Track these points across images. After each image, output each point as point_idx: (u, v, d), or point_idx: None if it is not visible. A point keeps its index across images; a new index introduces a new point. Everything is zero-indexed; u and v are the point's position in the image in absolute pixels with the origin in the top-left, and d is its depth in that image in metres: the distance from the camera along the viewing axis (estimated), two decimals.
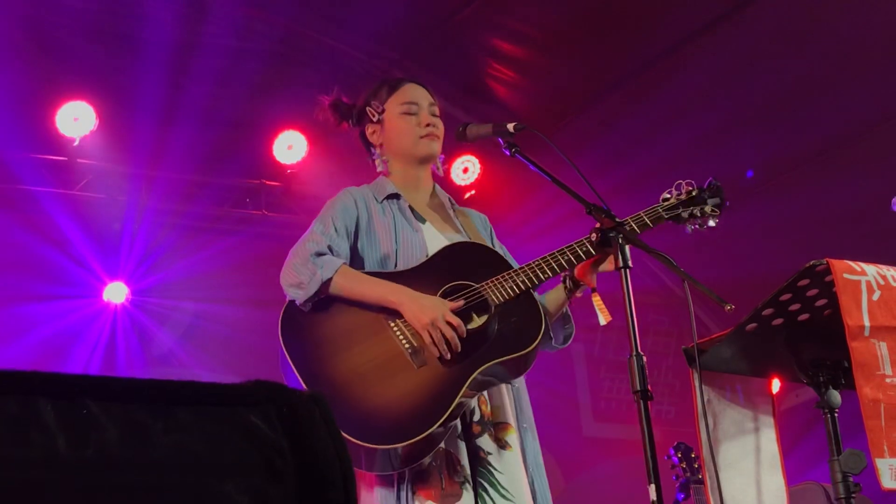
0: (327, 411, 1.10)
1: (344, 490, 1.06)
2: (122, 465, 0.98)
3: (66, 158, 6.94)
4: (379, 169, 3.72)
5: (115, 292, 7.22)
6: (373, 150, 3.74)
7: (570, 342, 3.63)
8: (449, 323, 3.25)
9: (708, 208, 3.48)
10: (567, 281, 3.42)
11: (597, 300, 3.29)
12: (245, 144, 7.38)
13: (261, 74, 7.19)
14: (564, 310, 3.55)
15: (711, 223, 3.51)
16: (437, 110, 3.72)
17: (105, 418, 0.99)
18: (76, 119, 6.80)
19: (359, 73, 7.32)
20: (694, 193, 3.50)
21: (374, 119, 3.70)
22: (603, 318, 3.23)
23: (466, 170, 7.77)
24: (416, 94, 3.72)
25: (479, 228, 3.76)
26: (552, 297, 3.51)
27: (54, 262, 6.91)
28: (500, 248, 3.74)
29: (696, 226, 3.51)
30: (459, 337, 3.27)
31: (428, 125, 3.65)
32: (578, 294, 3.44)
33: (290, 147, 7.48)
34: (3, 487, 0.92)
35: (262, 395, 1.08)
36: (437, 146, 3.67)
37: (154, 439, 1.01)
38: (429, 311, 3.27)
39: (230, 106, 7.12)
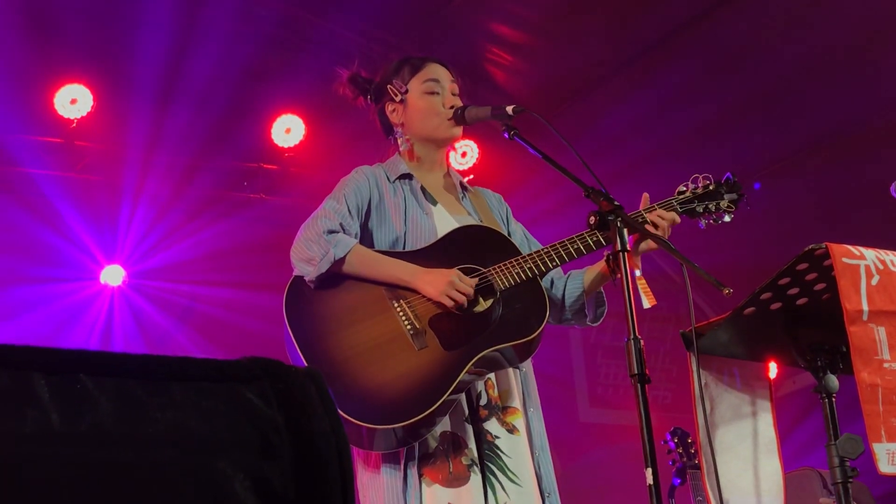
0: (323, 388, 1.09)
1: (339, 466, 1.05)
2: (115, 441, 0.97)
3: (63, 140, 6.92)
4: (402, 148, 3.70)
5: (113, 275, 7.20)
6: (394, 129, 3.72)
7: (600, 321, 3.62)
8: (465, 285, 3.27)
9: (724, 203, 3.47)
10: (610, 260, 3.37)
11: (641, 283, 3.22)
12: (243, 127, 7.36)
13: (259, 58, 7.17)
14: (599, 288, 3.54)
15: (727, 218, 3.49)
16: (458, 89, 3.69)
17: (99, 393, 0.98)
18: (74, 101, 6.77)
19: (357, 56, 7.28)
20: (711, 188, 3.48)
21: (397, 98, 3.67)
22: (647, 302, 3.14)
23: (465, 154, 7.76)
24: (438, 72, 3.70)
25: (494, 208, 3.75)
26: (592, 275, 3.51)
27: (51, 245, 6.89)
28: (517, 227, 3.74)
29: (710, 220, 3.50)
30: (463, 320, 3.28)
31: (452, 107, 3.63)
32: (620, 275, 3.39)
33: (287, 130, 7.46)
34: None
35: (257, 371, 1.08)
36: (459, 129, 3.66)
37: (148, 415, 1.00)
38: (444, 277, 3.28)
39: (228, 89, 7.09)
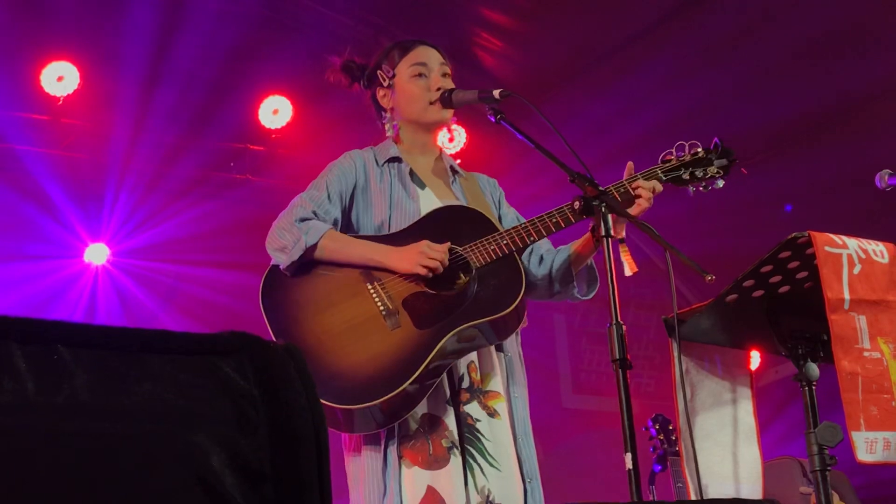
0: (302, 363, 1.09)
1: (315, 442, 1.06)
2: (93, 412, 0.97)
3: (49, 117, 6.89)
4: (388, 134, 3.68)
5: (97, 253, 7.18)
6: (383, 113, 3.70)
7: (593, 293, 3.58)
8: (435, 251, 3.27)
9: (713, 169, 3.41)
10: (595, 230, 3.29)
11: (623, 250, 3.15)
12: (230, 108, 7.34)
13: (247, 38, 7.15)
14: (589, 262, 3.51)
15: (719, 184, 3.44)
16: (448, 70, 3.67)
17: (76, 364, 0.98)
18: (60, 78, 6.75)
19: (345, 39, 7.27)
20: (700, 154, 3.44)
21: (385, 83, 3.66)
22: (629, 269, 3.09)
23: (452, 139, 7.75)
24: (427, 55, 3.67)
25: (486, 191, 3.74)
26: (577, 246, 3.47)
27: (35, 222, 6.87)
28: (510, 211, 3.72)
29: (700, 188, 3.44)
30: (437, 299, 3.28)
31: (439, 89, 3.61)
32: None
33: (275, 112, 7.44)
34: None
35: (235, 345, 1.08)
36: (448, 112, 3.63)
37: (126, 387, 1.00)
38: (414, 248, 3.29)
39: (216, 69, 7.07)
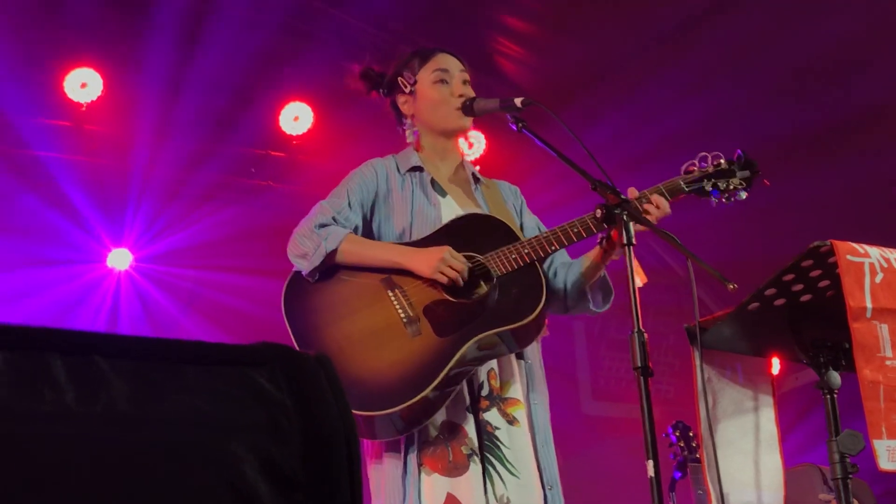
0: (332, 373, 1.11)
1: (347, 450, 1.08)
2: (130, 421, 1.00)
3: (73, 124, 6.94)
4: (409, 140, 3.70)
5: (119, 259, 7.23)
6: (404, 120, 3.72)
7: (609, 305, 3.59)
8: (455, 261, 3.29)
9: (736, 181, 3.42)
10: (603, 242, 3.35)
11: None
12: (251, 114, 7.37)
13: (269, 45, 7.18)
14: (602, 273, 3.51)
15: (742, 195, 3.44)
16: (467, 77, 3.69)
17: (114, 374, 1.00)
18: (84, 85, 6.79)
19: (366, 46, 7.30)
20: (723, 166, 3.44)
21: (406, 90, 3.68)
22: (638, 280, 3.11)
23: (472, 146, 7.77)
24: (447, 62, 3.70)
25: (508, 199, 3.75)
26: (588, 259, 3.48)
27: (59, 227, 6.92)
28: (531, 220, 3.73)
29: (724, 199, 3.45)
30: (458, 307, 3.29)
31: (460, 96, 3.63)
32: (615, 256, 3.36)
33: (296, 118, 7.47)
34: (15, 441, 0.93)
35: (268, 355, 1.10)
36: (468, 120, 3.66)
37: (162, 396, 1.02)
38: (436, 253, 3.30)
39: (237, 75, 7.11)
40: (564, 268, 3.58)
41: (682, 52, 7.28)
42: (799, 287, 2.90)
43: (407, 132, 3.71)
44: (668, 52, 7.34)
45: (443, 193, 3.61)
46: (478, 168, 3.94)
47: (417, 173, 3.61)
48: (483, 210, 3.60)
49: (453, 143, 3.74)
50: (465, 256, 3.36)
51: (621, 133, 7.59)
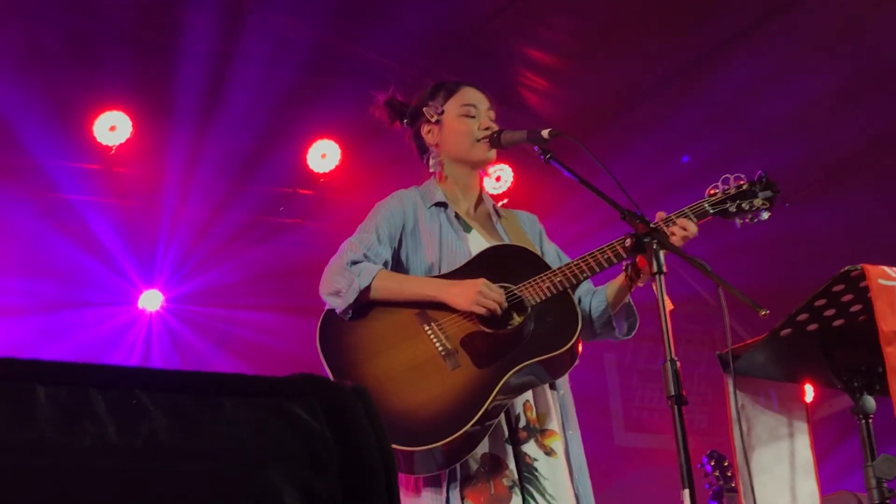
0: (370, 404, 1.12)
1: (386, 480, 1.08)
2: (170, 453, 1.01)
3: (102, 167, 7.00)
4: (432, 170, 3.71)
5: (151, 300, 7.27)
6: (429, 149, 3.74)
7: (633, 333, 3.59)
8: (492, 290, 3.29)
9: (758, 201, 3.43)
10: (629, 269, 3.35)
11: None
12: (279, 153, 7.42)
13: (295, 84, 7.23)
14: (627, 300, 3.52)
15: (764, 216, 3.45)
16: (493, 115, 3.72)
17: (154, 408, 1.01)
18: (113, 128, 6.85)
19: (391, 81, 7.34)
20: (744, 187, 3.45)
21: (433, 119, 3.69)
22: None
23: (499, 178, 7.78)
24: (475, 97, 3.72)
25: (527, 229, 3.76)
26: (614, 287, 3.48)
27: (90, 270, 6.97)
28: (551, 247, 3.74)
29: (747, 220, 3.46)
30: (495, 338, 3.29)
31: (487, 129, 3.65)
32: (640, 283, 3.36)
33: (323, 156, 7.51)
34: (58, 473, 0.95)
35: (305, 387, 1.11)
36: (493, 152, 3.68)
37: (201, 428, 1.03)
38: (473, 286, 3.30)
39: (265, 115, 7.16)
40: (589, 294, 3.58)
41: (708, 83, 7.29)
42: (831, 312, 2.89)
43: (431, 161, 3.72)
44: (690, 82, 7.36)
45: (468, 228, 3.62)
46: (505, 201, 3.95)
47: (442, 209, 3.62)
48: (507, 241, 3.61)
49: (475, 176, 3.76)
50: (499, 286, 3.37)
51: (649, 163, 7.59)
